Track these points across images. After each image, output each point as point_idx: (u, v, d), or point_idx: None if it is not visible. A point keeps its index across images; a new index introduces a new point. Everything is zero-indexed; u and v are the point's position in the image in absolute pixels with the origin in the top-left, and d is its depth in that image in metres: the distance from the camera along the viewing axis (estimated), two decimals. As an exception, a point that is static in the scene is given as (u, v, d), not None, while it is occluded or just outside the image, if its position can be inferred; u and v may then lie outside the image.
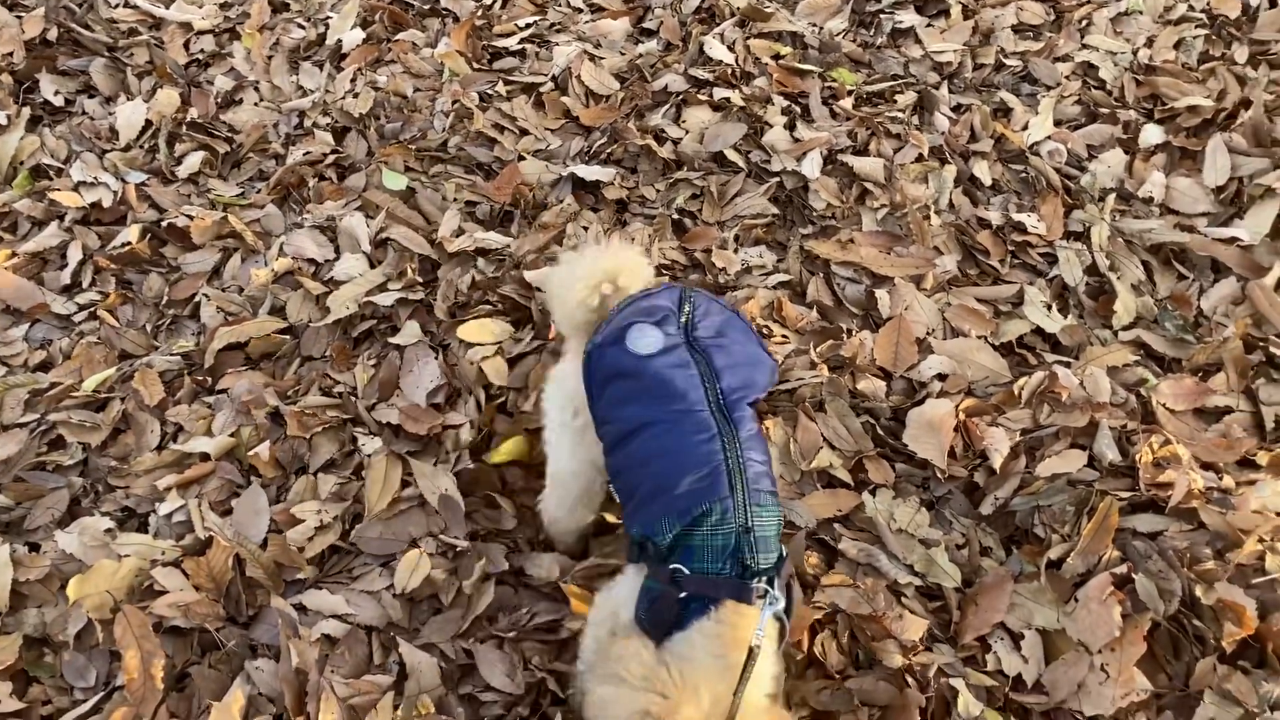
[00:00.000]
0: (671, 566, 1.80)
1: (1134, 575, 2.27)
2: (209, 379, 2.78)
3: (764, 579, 1.75)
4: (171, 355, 2.83)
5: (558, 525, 2.36)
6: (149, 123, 3.54)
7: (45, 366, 2.84)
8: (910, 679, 2.14)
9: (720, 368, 1.94)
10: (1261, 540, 2.31)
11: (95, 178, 3.27)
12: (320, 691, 2.11)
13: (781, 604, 1.74)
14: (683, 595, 1.79)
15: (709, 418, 1.86)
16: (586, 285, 2.14)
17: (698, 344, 1.98)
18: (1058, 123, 3.46)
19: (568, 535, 2.40)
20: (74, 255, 3.09)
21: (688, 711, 1.54)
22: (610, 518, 2.41)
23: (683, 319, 2.02)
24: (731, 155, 3.32)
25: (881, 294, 2.88)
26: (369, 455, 2.55)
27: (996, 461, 2.48)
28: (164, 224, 3.17)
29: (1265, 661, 2.20)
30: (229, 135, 3.54)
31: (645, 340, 1.97)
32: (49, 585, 2.33)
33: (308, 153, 3.41)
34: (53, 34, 3.83)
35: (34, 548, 2.40)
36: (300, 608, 2.29)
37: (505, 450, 2.58)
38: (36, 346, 2.89)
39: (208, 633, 2.26)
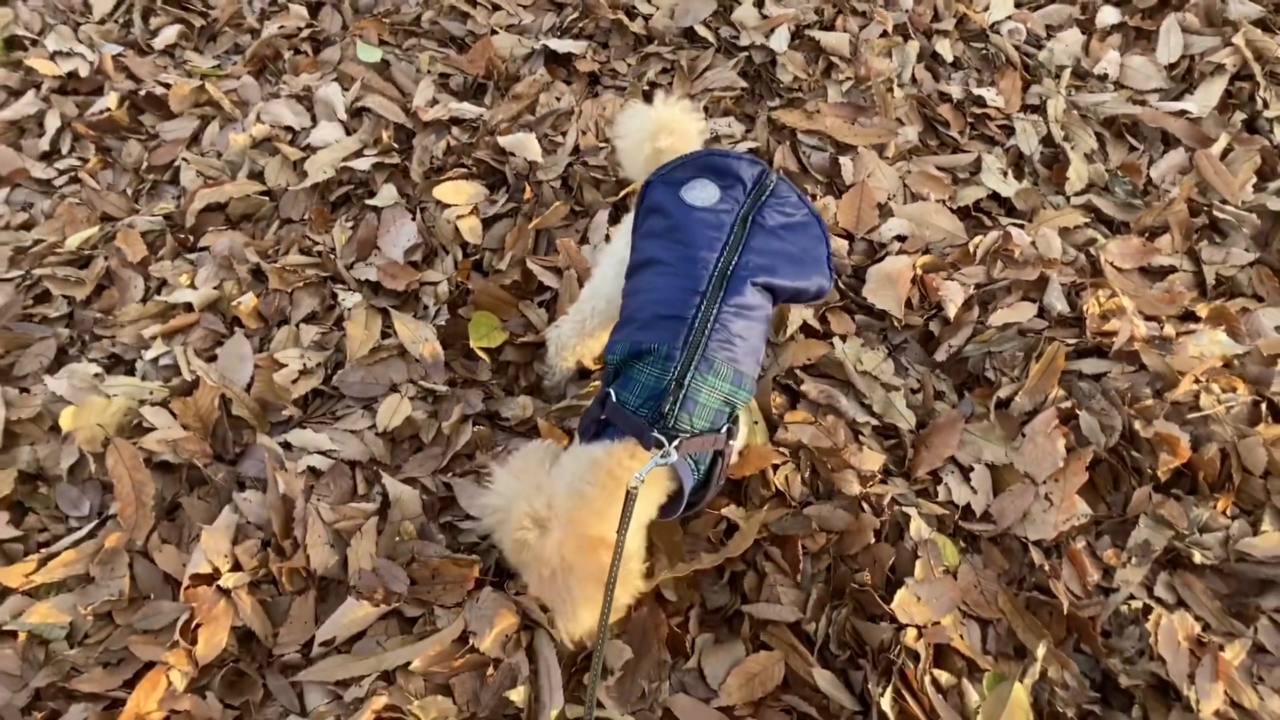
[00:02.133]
0: (608, 389, 1.90)
1: (1078, 412, 2.41)
2: (190, 238, 2.85)
3: (674, 438, 1.79)
4: (153, 216, 2.89)
5: (564, 353, 2.40)
6: (122, -3, 3.56)
7: (27, 228, 2.89)
8: (866, 506, 2.27)
9: (752, 246, 1.96)
10: (1197, 380, 2.45)
11: (71, 48, 3.31)
12: (307, 517, 2.22)
13: (673, 459, 1.76)
14: (603, 418, 1.89)
15: (705, 277, 1.89)
16: (636, 138, 2.26)
17: (750, 221, 1.99)
18: (1018, 4, 3.53)
19: (565, 367, 2.45)
20: (52, 123, 3.13)
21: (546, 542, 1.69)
22: (589, 364, 2.51)
23: (750, 198, 2.03)
24: (701, 31, 3.38)
25: (845, 161, 2.97)
26: (349, 308, 2.63)
27: (951, 311, 2.60)
28: (142, 93, 3.21)
29: (1196, 488, 2.35)
30: (204, 10, 3.56)
31: (700, 194, 2.02)
32: (40, 424, 2.42)
33: (282, 26, 3.44)
34: (22, -92, 3.81)
35: (25, 391, 2.48)
36: (286, 445, 2.39)
37: (480, 333, 2.64)
38: (18, 209, 2.95)
39: (196, 469, 2.35)
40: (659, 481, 1.84)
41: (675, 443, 1.78)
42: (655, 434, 1.78)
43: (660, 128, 2.23)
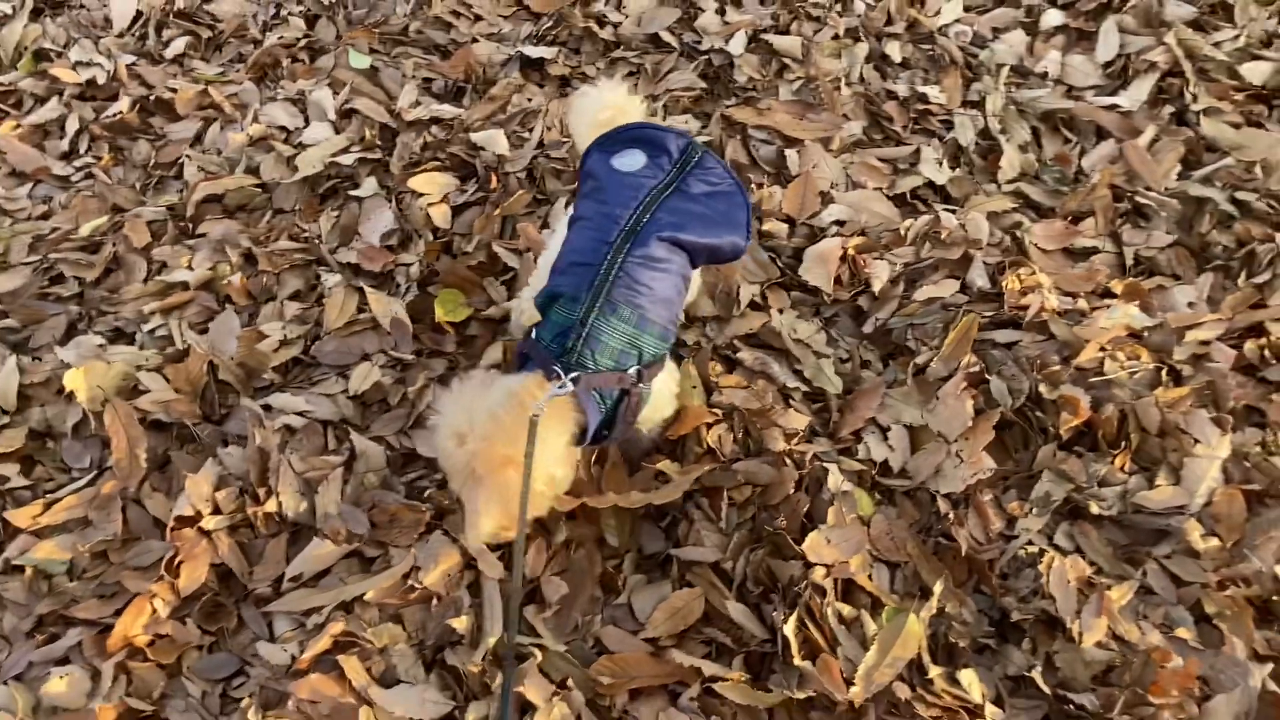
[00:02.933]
0: (531, 326, 2.16)
1: (988, 376, 2.60)
2: (190, 226, 3.13)
3: (575, 372, 2.01)
4: (157, 207, 3.19)
5: (522, 319, 2.64)
6: (140, 13, 3.89)
7: (46, 219, 3.20)
8: (789, 461, 2.48)
9: (667, 206, 2.18)
10: (1103, 348, 2.64)
11: (91, 59, 3.63)
12: (279, 467, 2.47)
13: (570, 389, 1.99)
14: (523, 352, 2.14)
15: (616, 230, 2.12)
16: (584, 117, 2.52)
17: (674, 188, 2.22)
18: (967, 8, 3.74)
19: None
20: (71, 126, 3.45)
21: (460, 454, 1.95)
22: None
23: (676, 167, 2.26)
24: (666, 36, 3.63)
25: (791, 154, 3.20)
26: (330, 287, 2.90)
27: (877, 287, 2.81)
28: (152, 98, 3.52)
29: (1097, 446, 2.53)
30: (211, 23, 3.87)
31: (627, 161, 2.27)
32: (49, 388, 2.69)
33: (282, 37, 3.74)
34: (50, -65, 4.15)
35: (37, 360, 2.77)
36: (266, 407, 2.64)
37: (446, 308, 2.86)
38: (39, 203, 3.26)
39: (185, 427, 2.62)
40: (564, 413, 2.06)
41: (574, 375, 2.00)
42: (556, 366, 2.01)
43: (604, 105, 2.49)
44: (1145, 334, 2.71)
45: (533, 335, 2.13)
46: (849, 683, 2.08)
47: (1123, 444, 2.51)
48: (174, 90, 3.52)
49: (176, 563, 2.33)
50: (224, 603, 2.33)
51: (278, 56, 3.69)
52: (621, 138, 2.33)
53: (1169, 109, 3.30)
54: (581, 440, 2.13)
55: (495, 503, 1.94)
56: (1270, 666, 2.17)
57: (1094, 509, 2.41)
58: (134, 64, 3.65)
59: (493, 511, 1.94)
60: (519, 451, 1.93)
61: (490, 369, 2.27)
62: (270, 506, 2.43)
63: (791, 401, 2.64)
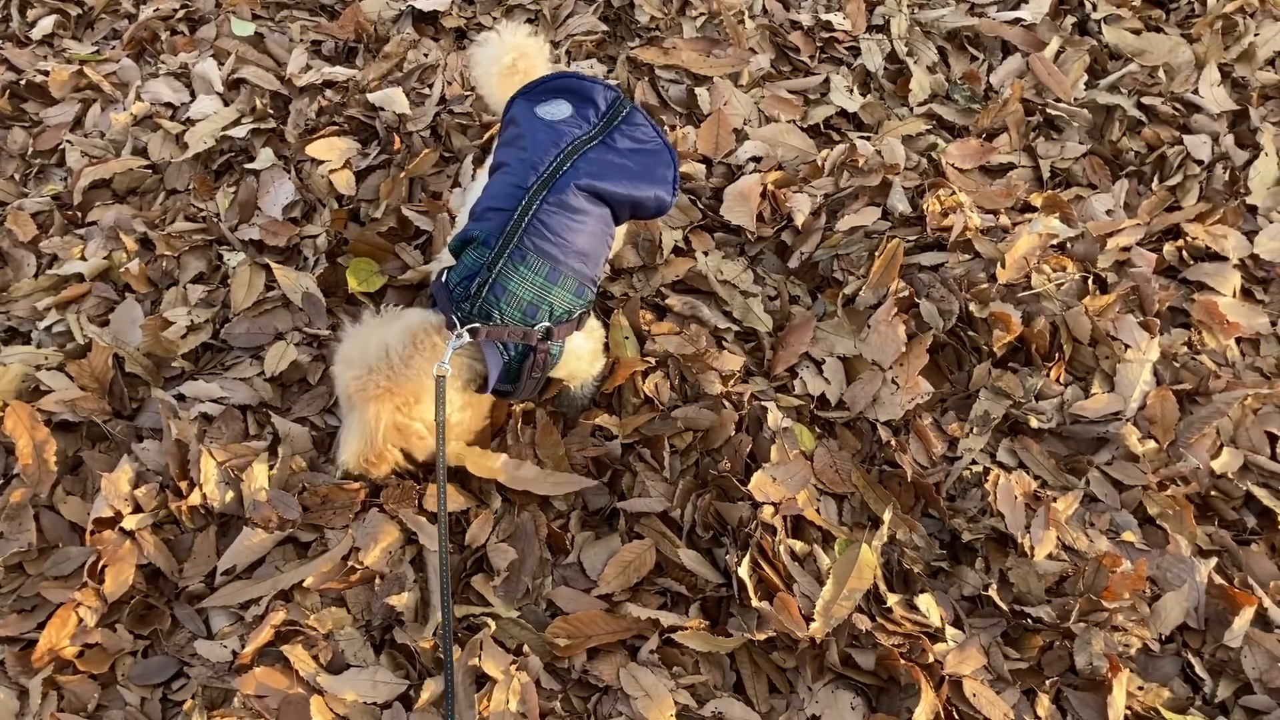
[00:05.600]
0: (443, 269, 2.11)
1: (917, 300, 2.59)
2: (79, 215, 2.96)
3: (480, 322, 1.99)
4: (41, 198, 3.00)
5: None
6: (-3, -6, 3.65)
7: (-86, 223, 3.00)
8: (727, 403, 2.44)
9: (589, 157, 2.12)
10: (1028, 262, 2.64)
11: (-51, 48, 3.40)
12: (199, 458, 2.35)
13: (466, 340, 1.97)
14: (433, 295, 2.09)
15: (534, 176, 2.06)
16: (488, 64, 2.51)
17: (598, 141, 2.17)
18: (861, -68, 3.71)
19: None
20: (-66, 119, 3.23)
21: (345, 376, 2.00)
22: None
23: (603, 120, 2.21)
24: (562, -20, 3.53)
25: (701, 92, 3.14)
26: (234, 266, 2.76)
27: (799, 220, 2.77)
28: (22, 82, 3.31)
29: (1031, 361, 2.54)
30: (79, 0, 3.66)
31: (552, 110, 2.21)
32: (-60, 400, 2.53)
33: (158, 9, 3.55)
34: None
35: (-79, 372, 2.60)
36: (179, 397, 2.52)
37: (360, 278, 2.76)
38: (-94, 203, 3.05)
39: (96, 425, 2.47)
40: (459, 361, 2.04)
41: (472, 327, 1.97)
42: (454, 315, 1.99)
43: (506, 50, 2.45)
44: (1068, 245, 2.72)
45: (443, 279, 2.06)
46: (808, 619, 2.06)
47: (1056, 356, 2.54)
48: (46, 73, 3.31)
49: (100, 567, 2.21)
50: (155, 604, 2.22)
51: (155, 30, 3.50)
52: (547, 86, 2.27)
53: (1070, 19, 3.31)
54: (483, 389, 2.10)
55: (358, 433, 1.98)
56: (1214, 561, 2.22)
57: (1033, 423, 2.43)
58: (-2, 48, 3.44)
59: (354, 442, 1.99)
60: (398, 386, 1.95)
61: (402, 306, 2.22)
62: (194, 499, 2.31)
63: (724, 343, 2.60)
